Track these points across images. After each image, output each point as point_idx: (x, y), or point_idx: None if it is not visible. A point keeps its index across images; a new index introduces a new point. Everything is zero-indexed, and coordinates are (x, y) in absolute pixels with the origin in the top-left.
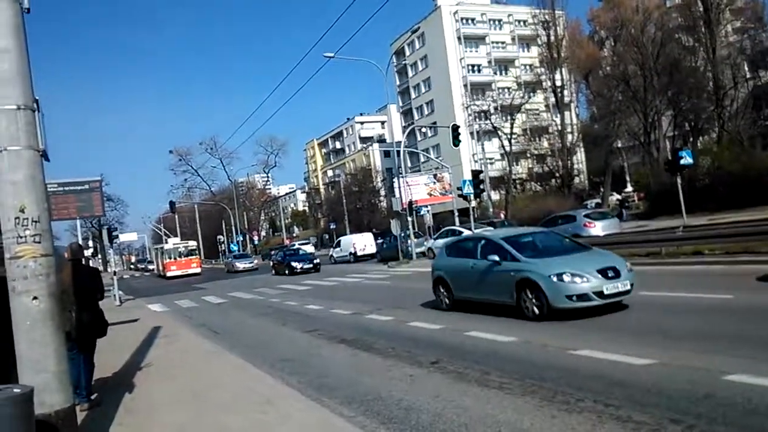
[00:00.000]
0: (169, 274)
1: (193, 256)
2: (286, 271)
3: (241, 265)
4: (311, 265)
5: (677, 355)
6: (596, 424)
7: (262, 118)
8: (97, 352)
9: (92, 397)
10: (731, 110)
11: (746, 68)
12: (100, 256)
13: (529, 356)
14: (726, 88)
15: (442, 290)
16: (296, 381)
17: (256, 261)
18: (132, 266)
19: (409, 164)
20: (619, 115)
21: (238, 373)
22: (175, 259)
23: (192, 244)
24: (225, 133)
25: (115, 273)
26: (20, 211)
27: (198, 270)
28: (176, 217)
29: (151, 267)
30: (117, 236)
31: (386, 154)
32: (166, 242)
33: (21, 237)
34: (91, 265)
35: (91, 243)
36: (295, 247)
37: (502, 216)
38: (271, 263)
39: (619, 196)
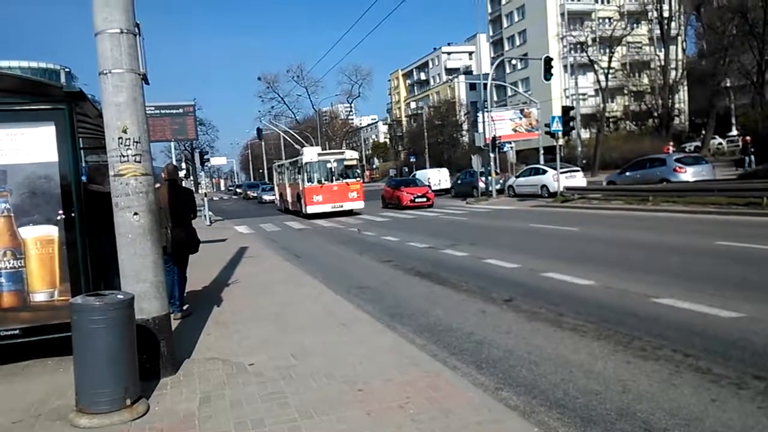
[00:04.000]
0: (310, 209)
1: (353, 179)
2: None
3: None
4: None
5: None
6: (673, 373)
7: (348, 46)
8: (189, 267)
9: (185, 307)
10: None
11: None
12: (192, 177)
13: (607, 301)
14: None
15: None
16: (371, 308)
17: None
18: (238, 193)
19: (495, 98)
20: (731, 52)
21: (317, 296)
22: (320, 183)
23: (351, 156)
24: (311, 62)
25: (205, 194)
26: (123, 132)
27: (361, 204)
28: (263, 143)
29: (267, 197)
30: (208, 159)
31: (472, 86)
32: (302, 153)
33: (123, 156)
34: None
35: (183, 165)
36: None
37: (671, 149)
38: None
39: (721, 140)
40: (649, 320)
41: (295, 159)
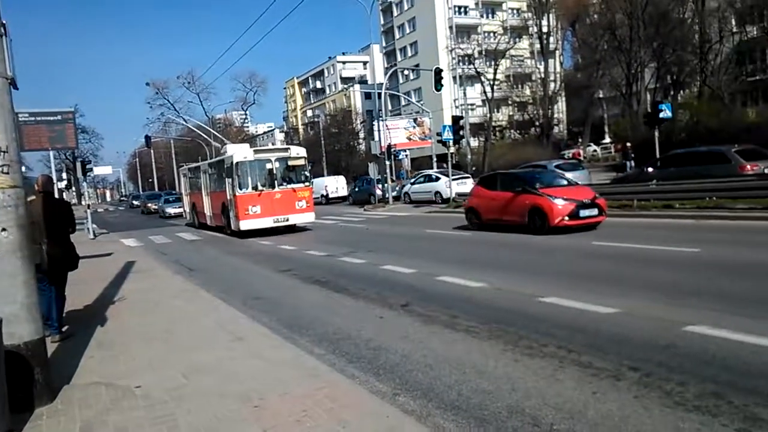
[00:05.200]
0: (244, 224)
1: (301, 184)
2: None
3: None
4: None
5: (641, 306)
6: (557, 368)
7: (240, 52)
8: (69, 286)
9: (63, 329)
10: (714, 65)
11: (733, 22)
12: (74, 188)
13: (497, 302)
14: (711, 41)
15: None
16: (267, 319)
17: None
18: (135, 206)
19: (389, 107)
20: (602, 65)
21: (211, 310)
22: (257, 189)
23: (298, 153)
24: (203, 68)
25: (89, 206)
26: None
27: (311, 217)
28: (152, 152)
29: (173, 210)
30: (91, 169)
31: (367, 96)
32: (224, 150)
33: None
34: (64, 197)
35: (64, 175)
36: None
37: (581, 154)
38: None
39: (596, 148)
40: (536, 319)
41: (219, 159)
